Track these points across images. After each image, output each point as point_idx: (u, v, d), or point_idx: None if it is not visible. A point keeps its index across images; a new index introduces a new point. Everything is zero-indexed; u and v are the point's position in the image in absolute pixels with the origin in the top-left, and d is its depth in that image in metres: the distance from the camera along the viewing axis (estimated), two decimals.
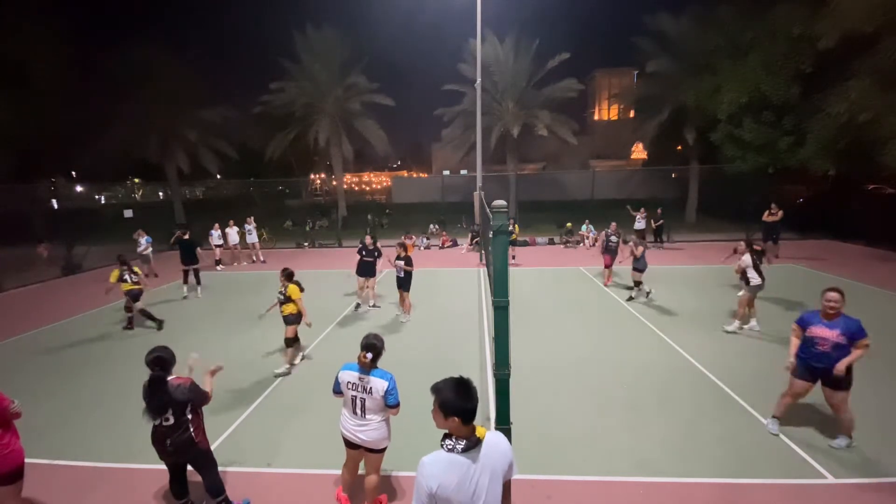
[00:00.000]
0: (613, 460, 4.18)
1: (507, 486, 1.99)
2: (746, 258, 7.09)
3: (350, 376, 3.27)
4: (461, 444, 1.86)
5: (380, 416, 3.29)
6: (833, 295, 4.07)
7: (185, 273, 10.72)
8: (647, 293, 9.28)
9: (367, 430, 3.27)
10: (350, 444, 3.39)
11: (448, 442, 1.90)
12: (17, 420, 3.34)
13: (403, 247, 8.35)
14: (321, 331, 7.96)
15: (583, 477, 3.98)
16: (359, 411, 3.27)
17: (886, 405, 4.88)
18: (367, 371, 3.23)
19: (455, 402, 1.89)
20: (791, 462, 4.08)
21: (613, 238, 10.38)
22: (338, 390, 3.34)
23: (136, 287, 8.31)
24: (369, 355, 3.21)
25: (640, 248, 9.11)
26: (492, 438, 1.95)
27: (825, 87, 13.67)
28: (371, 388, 3.20)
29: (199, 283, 10.89)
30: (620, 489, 3.81)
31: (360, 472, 3.59)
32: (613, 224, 10.63)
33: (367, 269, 8.81)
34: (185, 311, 9.63)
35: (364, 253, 8.75)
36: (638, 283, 9.32)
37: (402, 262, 8.07)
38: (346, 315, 8.90)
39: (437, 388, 1.97)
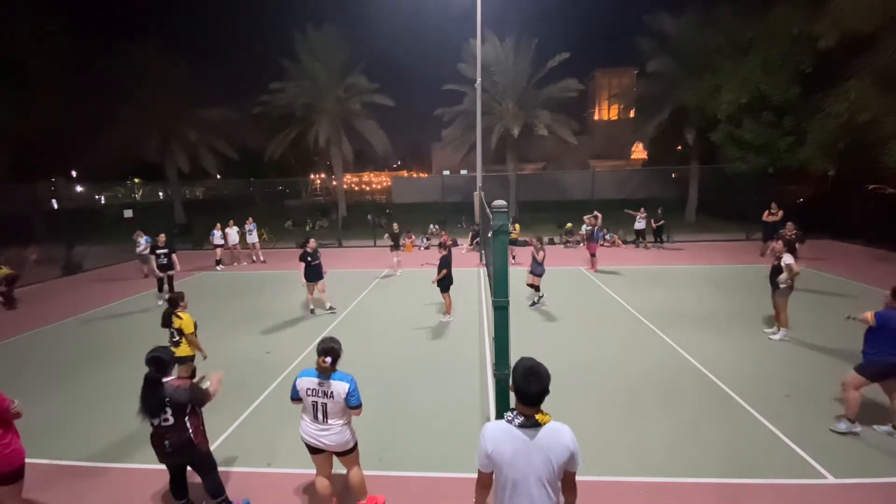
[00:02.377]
0: (614, 460, 4.18)
1: (569, 477, 2.11)
2: (789, 258, 6.52)
3: (309, 382, 3.22)
4: (518, 420, 2.01)
5: (342, 420, 3.25)
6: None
7: (161, 280, 10.23)
8: (538, 299, 9.08)
9: (330, 434, 3.24)
10: (314, 450, 3.34)
11: (508, 414, 2.06)
12: (18, 420, 3.34)
13: (443, 246, 8.35)
14: (320, 331, 7.96)
15: (583, 477, 3.95)
16: (320, 416, 3.22)
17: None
18: (328, 375, 3.20)
19: (517, 379, 2.03)
20: (791, 462, 4.08)
21: (587, 228, 12.25)
22: (296, 397, 3.29)
23: (13, 273, 10.68)
24: (328, 359, 3.17)
25: (542, 254, 8.80)
26: (555, 426, 2.04)
27: (825, 87, 13.67)
28: (332, 392, 3.17)
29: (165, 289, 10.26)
30: (621, 489, 3.82)
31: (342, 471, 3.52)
32: (592, 217, 12.25)
33: (314, 273, 8.78)
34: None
35: (309, 258, 8.71)
36: (532, 287, 9.07)
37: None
38: (345, 316, 8.93)
39: (517, 364, 2.10)
